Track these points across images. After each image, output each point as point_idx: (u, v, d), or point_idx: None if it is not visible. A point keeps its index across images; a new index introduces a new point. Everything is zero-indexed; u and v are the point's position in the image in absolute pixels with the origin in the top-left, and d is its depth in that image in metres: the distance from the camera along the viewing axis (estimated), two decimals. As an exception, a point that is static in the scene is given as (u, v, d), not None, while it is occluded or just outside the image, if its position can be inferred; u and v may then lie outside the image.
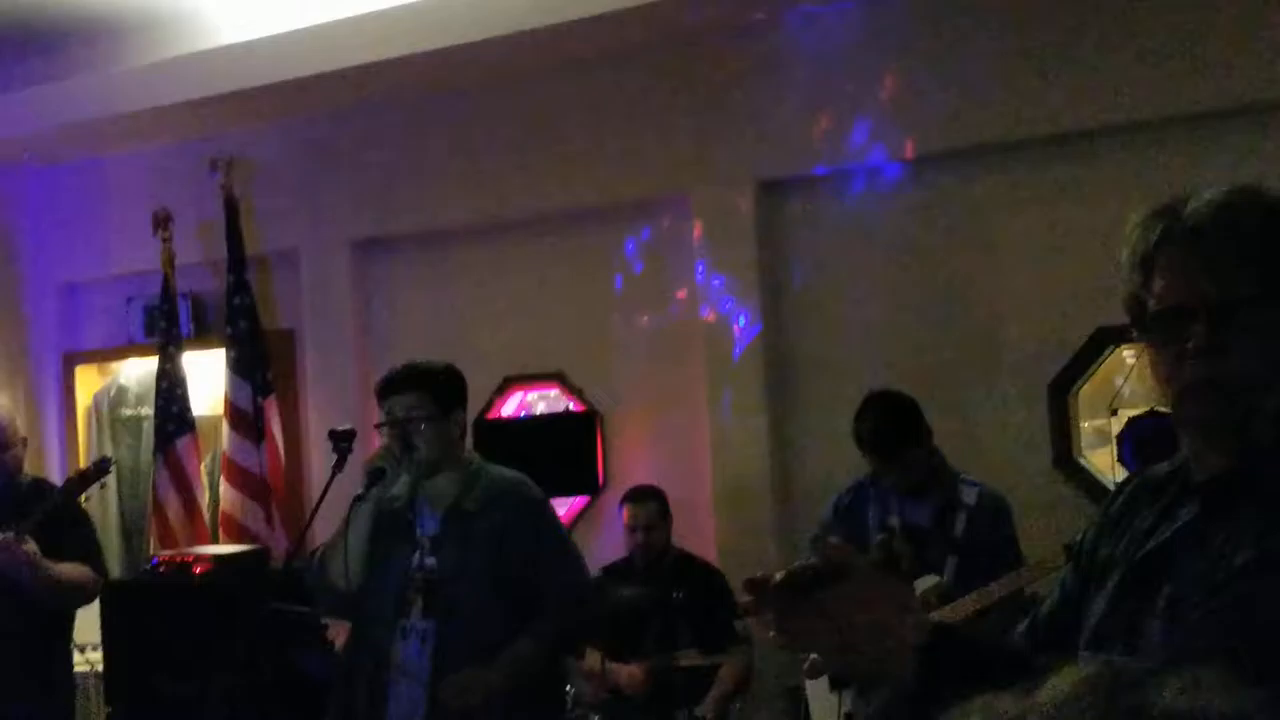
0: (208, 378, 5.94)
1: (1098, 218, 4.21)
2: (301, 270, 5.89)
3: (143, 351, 6.17)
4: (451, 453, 3.30)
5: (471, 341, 5.33)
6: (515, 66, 5.19)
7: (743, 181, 4.99)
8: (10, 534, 3.76)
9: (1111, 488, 2.07)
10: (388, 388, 3.27)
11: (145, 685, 4.86)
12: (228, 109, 5.57)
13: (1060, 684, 0.67)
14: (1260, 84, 4.14)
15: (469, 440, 3.39)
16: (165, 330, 5.83)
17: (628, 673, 4.27)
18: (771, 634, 1.36)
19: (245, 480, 5.60)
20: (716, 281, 5.04)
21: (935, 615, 2.35)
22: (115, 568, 5.54)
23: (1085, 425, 4.59)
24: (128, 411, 6.51)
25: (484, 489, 3.28)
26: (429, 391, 3.24)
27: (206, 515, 5.83)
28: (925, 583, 3.47)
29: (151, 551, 5.63)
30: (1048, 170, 4.57)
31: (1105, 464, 4.40)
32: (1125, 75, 4.32)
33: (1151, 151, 4.33)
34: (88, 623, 4.58)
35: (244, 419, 5.62)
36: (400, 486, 3.29)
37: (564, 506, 5.26)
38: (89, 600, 4.21)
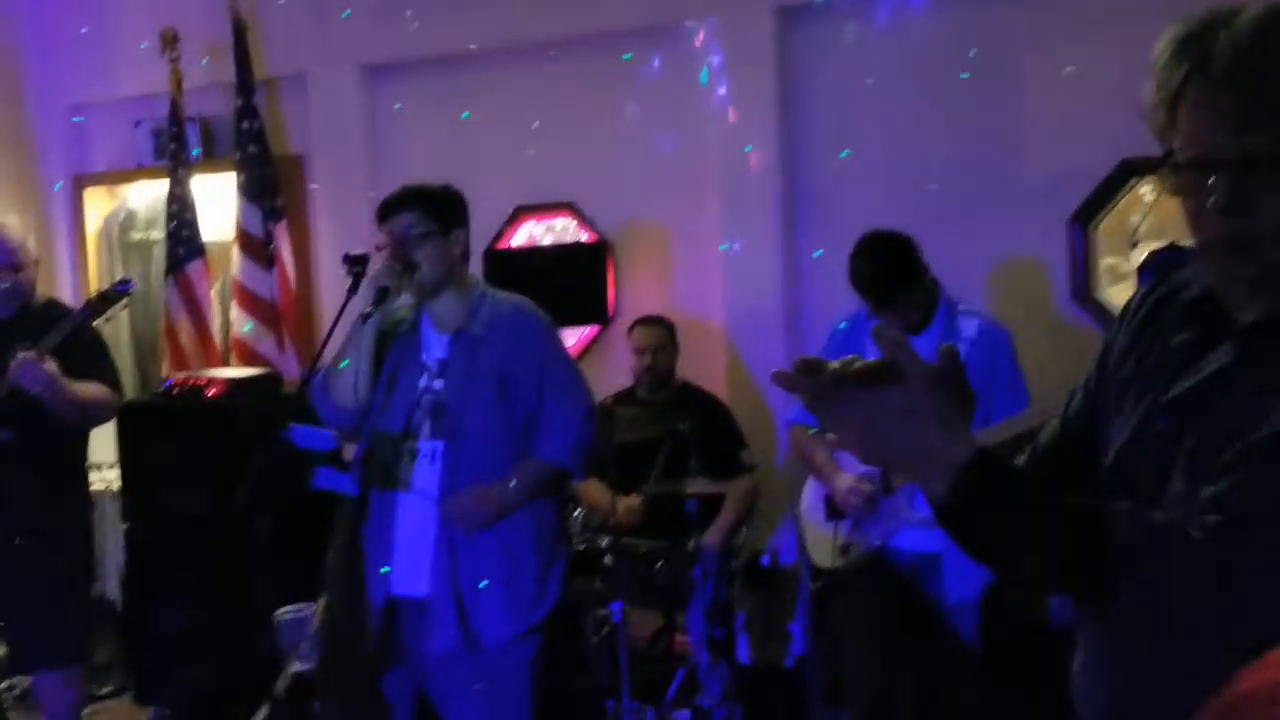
0: (217, 203, 5.92)
1: (1126, 49, 4.11)
2: (310, 94, 5.81)
3: (151, 175, 6.13)
4: (454, 274, 3.28)
5: (482, 169, 5.24)
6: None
7: (760, 6, 4.87)
8: (31, 353, 3.79)
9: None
10: (386, 209, 3.25)
11: (160, 503, 4.97)
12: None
13: None
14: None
15: (480, 271, 3.39)
16: (174, 154, 5.79)
17: (625, 505, 4.33)
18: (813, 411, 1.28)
19: (256, 305, 5.62)
20: (732, 109, 4.96)
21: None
22: (129, 389, 5.60)
23: (1102, 262, 4.56)
24: (137, 235, 6.50)
25: (489, 313, 3.28)
26: (428, 209, 3.22)
27: (218, 340, 5.87)
28: None
29: (164, 374, 5.69)
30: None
31: (1123, 300, 4.38)
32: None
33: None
34: (102, 442, 4.65)
35: (254, 244, 5.62)
36: (404, 308, 3.29)
37: (574, 337, 5.29)
38: (107, 419, 4.26)
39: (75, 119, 6.39)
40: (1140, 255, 4.26)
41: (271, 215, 5.64)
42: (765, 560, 4.76)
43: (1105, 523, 1.24)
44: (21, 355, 3.78)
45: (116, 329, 6.15)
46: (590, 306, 5.33)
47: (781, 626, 4.72)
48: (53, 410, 3.88)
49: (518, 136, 5.39)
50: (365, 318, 3.14)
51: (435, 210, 3.24)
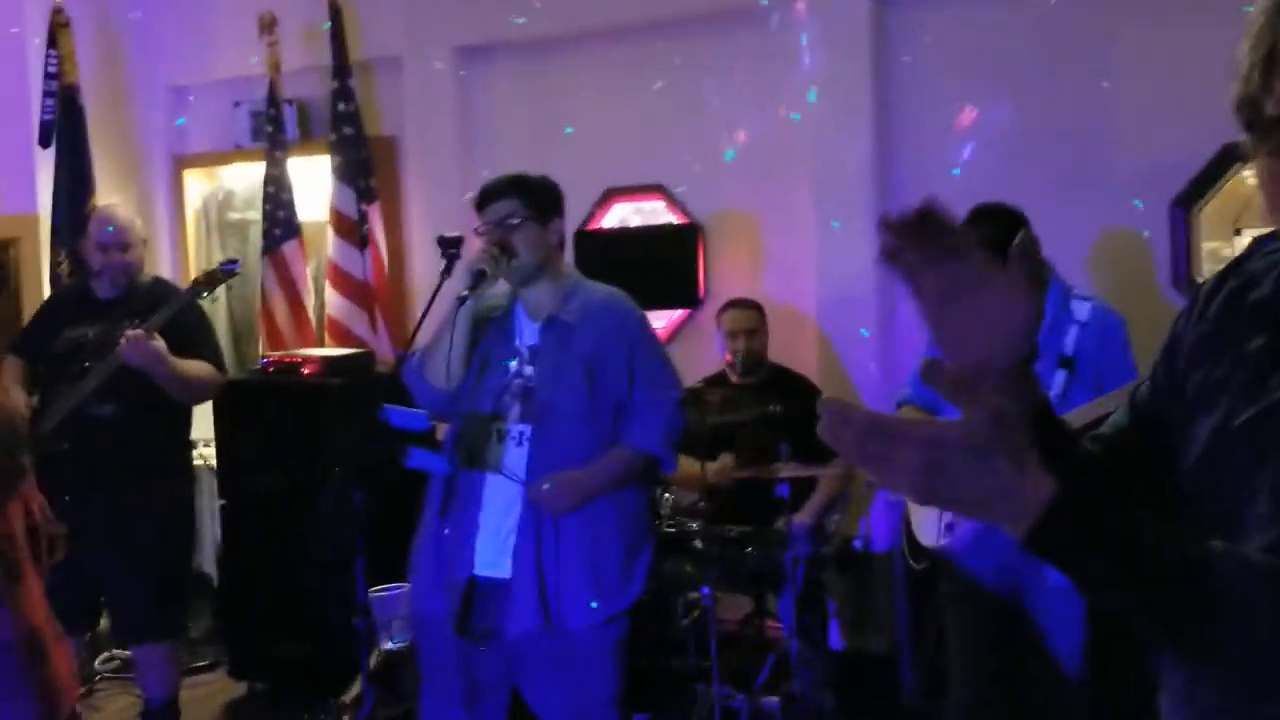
0: (312, 184, 5.99)
1: (1231, 31, 4.00)
2: (404, 77, 5.86)
3: (249, 156, 6.22)
4: (550, 263, 3.33)
5: (573, 152, 5.27)
6: None
7: (855, -12, 4.82)
8: (139, 330, 3.87)
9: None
10: (486, 196, 3.31)
11: (255, 480, 5.06)
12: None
13: None
14: None
15: (570, 254, 3.41)
16: (271, 135, 5.87)
17: (716, 466, 4.30)
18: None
19: (350, 286, 5.69)
20: (825, 92, 4.91)
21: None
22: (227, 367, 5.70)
23: (1205, 246, 4.44)
24: (235, 215, 6.61)
25: (582, 301, 3.31)
26: (527, 198, 3.28)
27: (313, 319, 5.95)
28: None
29: (260, 352, 5.78)
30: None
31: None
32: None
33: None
34: (199, 419, 4.74)
35: (348, 225, 5.68)
36: (499, 294, 3.33)
37: (663, 320, 5.28)
38: (211, 396, 4.34)
39: (179, 100, 6.51)
40: (1243, 243, 4.15)
41: (365, 196, 5.70)
42: (858, 544, 4.71)
43: (1206, 564, 1.11)
44: (130, 332, 3.86)
45: (214, 307, 6.25)
46: (680, 289, 5.32)
47: (874, 614, 4.67)
48: (160, 386, 3.96)
49: (609, 118, 5.39)
50: (461, 301, 3.17)
51: (534, 199, 3.29)
